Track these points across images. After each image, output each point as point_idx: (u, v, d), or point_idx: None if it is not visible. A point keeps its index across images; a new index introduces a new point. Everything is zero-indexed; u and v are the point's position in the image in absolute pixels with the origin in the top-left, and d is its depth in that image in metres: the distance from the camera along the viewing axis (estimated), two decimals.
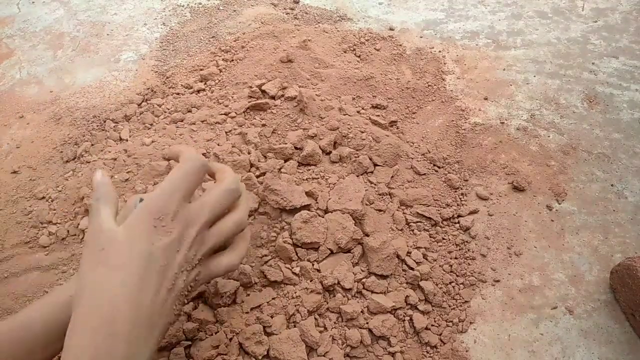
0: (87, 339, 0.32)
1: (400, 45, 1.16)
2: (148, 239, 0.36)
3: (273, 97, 0.94)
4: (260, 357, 0.62)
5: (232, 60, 1.08)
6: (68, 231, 0.80)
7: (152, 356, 0.37)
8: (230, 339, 0.64)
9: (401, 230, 0.78)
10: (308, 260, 0.72)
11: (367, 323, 0.68)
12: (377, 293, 0.70)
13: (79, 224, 0.80)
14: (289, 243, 0.72)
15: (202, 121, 0.92)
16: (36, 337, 0.41)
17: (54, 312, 0.42)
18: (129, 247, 0.35)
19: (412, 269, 0.73)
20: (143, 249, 0.35)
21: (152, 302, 0.36)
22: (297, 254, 0.72)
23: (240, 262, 0.47)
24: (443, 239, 0.80)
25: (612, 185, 0.88)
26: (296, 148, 0.85)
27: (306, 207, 0.74)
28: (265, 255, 0.73)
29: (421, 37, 1.20)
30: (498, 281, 0.76)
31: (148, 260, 0.35)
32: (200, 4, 1.34)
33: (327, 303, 0.69)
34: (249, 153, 0.84)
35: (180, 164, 0.43)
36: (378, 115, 0.95)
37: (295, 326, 0.66)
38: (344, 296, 0.70)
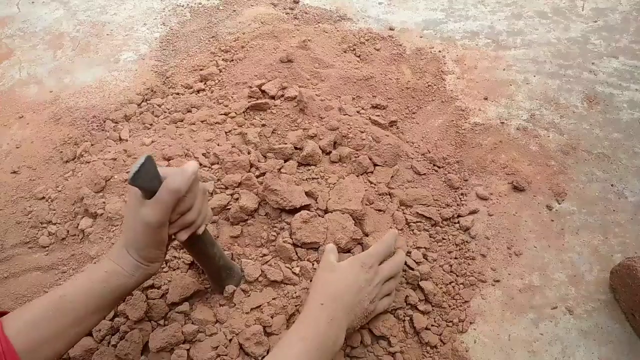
0: (316, 312, 0.59)
1: (400, 45, 1.16)
2: (359, 270, 0.64)
3: (273, 97, 0.94)
4: (260, 358, 0.62)
5: (232, 60, 1.08)
6: (68, 231, 0.80)
7: (349, 330, 0.61)
8: (230, 340, 0.64)
9: (401, 230, 0.78)
10: (308, 260, 0.72)
11: (367, 323, 0.68)
12: None
13: (78, 224, 0.80)
14: (289, 243, 0.72)
15: (202, 121, 0.92)
16: (77, 309, 0.51)
17: (92, 286, 0.53)
18: (348, 269, 0.64)
19: (412, 269, 0.73)
20: (354, 273, 0.63)
21: (357, 300, 0.62)
22: (297, 253, 0.72)
23: (390, 304, 0.69)
24: (443, 239, 0.80)
25: (612, 185, 0.88)
26: (296, 148, 0.85)
27: (306, 207, 0.74)
28: (266, 255, 0.73)
29: (421, 37, 1.20)
30: (498, 281, 0.76)
31: (354, 280, 0.62)
32: (200, 4, 1.34)
33: None
34: (248, 153, 0.84)
35: (385, 242, 0.69)
36: (378, 115, 0.95)
37: None
38: None
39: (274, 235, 0.74)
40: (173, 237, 0.56)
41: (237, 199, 0.76)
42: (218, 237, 0.74)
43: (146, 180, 0.49)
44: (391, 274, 0.67)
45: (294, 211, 0.74)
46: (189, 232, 0.56)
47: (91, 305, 0.53)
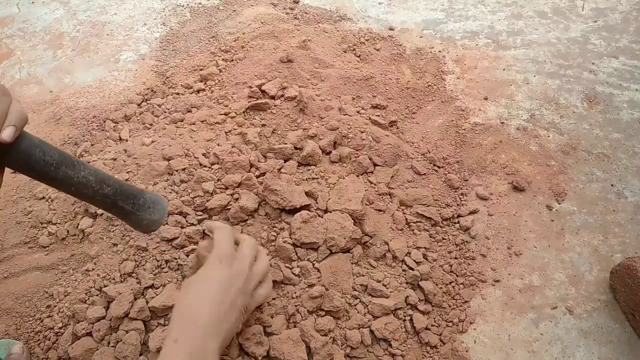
0: (171, 354, 0.49)
1: (400, 45, 1.15)
2: (214, 267, 0.55)
3: (273, 97, 0.94)
4: (260, 358, 0.62)
5: (232, 60, 1.08)
6: (68, 231, 0.80)
7: (221, 348, 0.52)
8: (230, 340, 0.63)
9: (401, 230, 0.78)
10: (308, 260, 0.72)
11: (370, 324, 0.68)
12: (378, 297, 0.70)
13: (78, 224, 0.80)
14: (288, 243, 0.72)
15: (202, 121, 0.92)
16: None
17: None
18: (203, 274, 0.55)
19: (412, 269, 0.73)
20: (211, 272, 0.55)
21: (222, 310, 0.53)
22: (296, 254, 0.72)
23: (270, 292, 0.62)
24: (443, 239, 0.80)
25: (612, 185, 0.88)
26: (296, 148, 0.85)
27: (306, 207, 0.74)
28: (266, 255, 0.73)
29: (421, 37, 1.20)
30: (498, 281, 0.76)
31: (213, 280, 0.54)
32: (200, 4, 1.34)
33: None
34: (248, 153, 0.84)
35: (249, 245, 0.61)
36: (378, 115, 0.95)
37: (295, 326, 0.66)
38: (342, 297, 0.69)
39: (274, 236, 0.74)
40: None
41: (237, 199, 0.76)
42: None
43: None
44: (254, 255, 0.59)
45: (294, 211, 0.74)
46: None
47: None
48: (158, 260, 0.71)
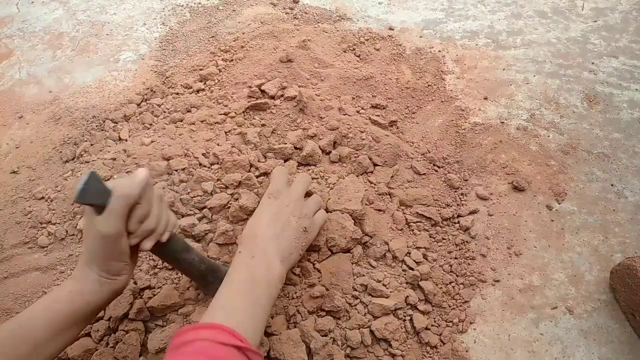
0: (236, 261, 0.60)
1: (400, 45, 1.15)
2: (270, 202, 0.67)
3: (273, 97, 0.94)
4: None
5: (232, 60, 1.08)
6: (67, 231, 0.80)
7: (284, 259, 0.61)
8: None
9: (401, 230, 0.78)
10: (308, 260, 0.72)
11: (370, 324, 0.68)
12: (378, 297, 0.70)
13: (77, 224, 0.79)
14: None
15: (202, 121, 0.92)
16: (37, 334, 0.49)
17: (55, 308, 0.51)
18: (259, 210, 0.67)
19: (412, 269, 0.73)
20: (266, 210, 0.66)
21: (277, 227, 0.63)
22: None
23: (325, 216, 0.71)
24: (443, 239, 0.80)
25: (612, 185, 0.88)
26: (296, 148, 0.85)
27: None
28: None
29: (421, 36, 1.20)
30: (498, 281, 0.76)
31: (268, 212, 0.65)
32: (199, 3, 1.34)
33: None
34: (248, 153, 0.84)
35: (277, 172, 0.74)
36: (378, 115, 0.94)
37: (295, 326, 0.66)
38: (342, 297, 0.69)
39: None
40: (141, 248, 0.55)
41: (237, 199, 0.76)
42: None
43: (93, 196, 0.48)
44: (304, 188, 0.71)
45: None
46: (152, 240, 0.54)
47: (54, 328, 0.50)
48: (155, 261, 0.71)
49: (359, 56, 1.10)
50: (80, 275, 0.53)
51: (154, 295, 0.68)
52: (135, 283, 0.69)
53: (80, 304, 0.52)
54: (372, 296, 0.70)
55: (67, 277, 0.75)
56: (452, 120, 0.98)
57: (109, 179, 0.82)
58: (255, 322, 0.54)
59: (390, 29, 1.22)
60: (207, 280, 0.64)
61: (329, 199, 0.76)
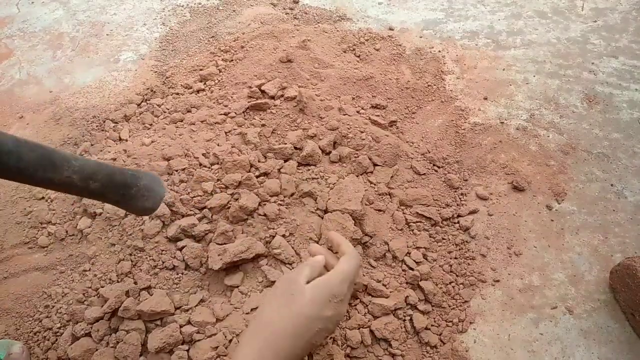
0: (253, 347, 0.48)
1: (400, 45, 1.15)
2: (322, 307, 0.51)
3: (273, 97, 0.94)
4: None
5: (232, 60, 1.08)
6: (67, 231, 0.80)
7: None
8: (230, 340, 0.64)
9: (401, 230, 0.78)
10: None
11: (370, 324, 0.68)
12: (378, 297, 0.70)
13: (77, 225, 0.79)
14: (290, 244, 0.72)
15: (202, 121, 0.92)
16: None
17: None
18: (309, 304, 0.50)
19: (412, 269, 0.73)
20: (316, 312, 0.50)
21: (301, 347, 0.50)
22: (298, 254, 0.72)
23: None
24: (443, 239, 0.80)
25: (611, 185, 0.88)
26: (296, 148, 0.85)
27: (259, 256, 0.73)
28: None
29: (421, 37, 1.20)
30: (498, 281, 0.76)
31: (315, 320, 0.50)
32: (199, 4, 1.34)
33: None
34: (248, 153, 0.84)
35: (351, 258, 0.57)
36: (378, 115, 0.95)
37: None
38: None
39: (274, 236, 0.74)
40: None
41: (237, 199, 0.76)
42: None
43: None
44: (351, 288, 0.56)
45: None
46: None
47: None
48: (155, 261, 0.71)
49: (359, 56, 1.10)
50: None
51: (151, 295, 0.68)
52: (135, 283, 0.69)
53: None
54: (372, 296, 0.70)
55: (67, 277, 0.75)
56: (452, 120, 0.98)
57: None
58: None
59: (390, 29, 1.22)
60: (113, 199, 0.49)
61: (329, 199, 0.76)
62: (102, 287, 0.70)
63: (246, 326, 0.65)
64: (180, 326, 0.65)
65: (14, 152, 0.40)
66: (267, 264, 0.72)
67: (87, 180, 0.45)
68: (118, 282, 0.70)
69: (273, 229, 0.74)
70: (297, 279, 0.53)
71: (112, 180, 0.47)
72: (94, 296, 0.70)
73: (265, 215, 0.75)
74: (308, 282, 0.53)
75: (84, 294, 0.71)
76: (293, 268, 0.71)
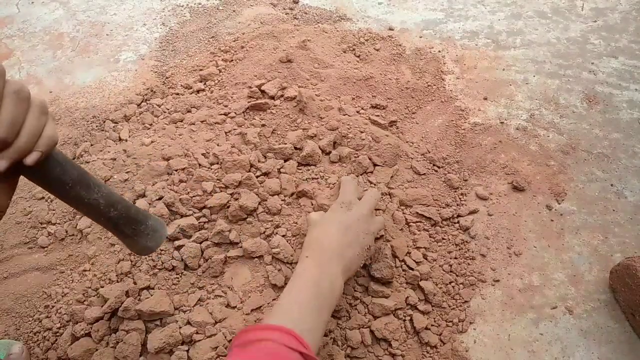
0: (302, 265, 0.60)
1: (400, 45, 1.16)
2: (366, 217, 0.67)
3: (272, 97, 0.94)
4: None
5: (232, 60, 1.08)
6: (67, 231, 0.80)
7: (344, 273, 0.61)
8: (230, 341, 0.63)
9: (401, 230, 0.78)
10: None
11: (370, 324, 0.68)
12: (378, 297, 0.70)
13: (77, 224, 0.79)
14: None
15: (202, 121, 0.92)
16: None
17: None
18: (352, 215, 0.66)
19: (412, 269, 0.73)
20: (358, 218, 0.66)
21: (344, 243, 0.63)
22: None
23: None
24: (443, 239, 0.80)
25: (611, 185, 0.88)
26: (296, 148, 0.85)
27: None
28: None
29: (421, 37, 1.20)
30: (498, 281, 0.76)
31: (358, 223, 0.65)
32: (199, 4, 1.34)
33: None
34: (248, 153, 0.84)
35: (370, 191, 0.74)
36: (378, 115, 0.95)
37: None
38: (343, 297, 0.69)
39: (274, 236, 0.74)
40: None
41: (237, 199, 0.76)
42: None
43: None
44: (375, 204, 0.71)
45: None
46: (5, 159, 0.37)
47: None
48: (154, 261, 0.71)
49: (358, 56, 1.10)
50: None
51: (151, 295, 0.68)
52: (135, 283, 0.69)
53: None
54: (373, 296, 0.70)
55: (67, 278, 0.75)
56: (452, 121, 0.98)
57: (108, 180, 0.82)
58: (317, 333, 0.54)
59: (390, 29, 1.22)
60: (123, 232, 0.51)
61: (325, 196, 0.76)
62: (102, 287, 0.70)
63: (246, 326, 0.65)
64: (180, 326, 0.65)
65: (62, 165, 0.44)
66: (268, 264, 0.72)
67: (110, 206, 0.48)
68: (118, 282, 0.70)
69: (275, 222, 0.74)
70: (313, 218, 0.68)
71: (129, 213, 0.50)
72: (94, 296, 0.70)
73: (267, 209, 0.75)
74: None
75: (83, 294, 0.71)
76: (293, 268, 0.71)
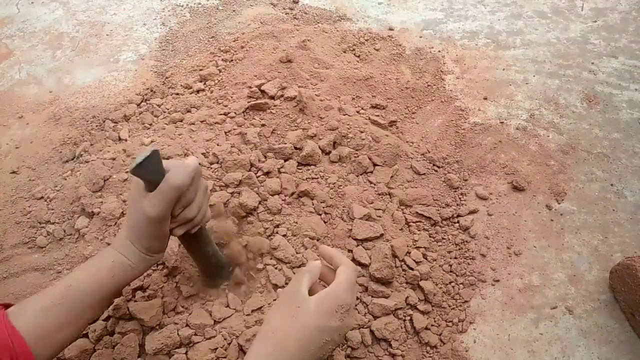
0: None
1: (400, 45, 1.15)
2: (329, 318, 0.51)
3: (272, 97, 0.94)
4: None
5: (232, 60, 1.08)
6: (65, 231, 0.79)
7: None
8: (230, 342, 0.63)
9: (401, 230, 0.78)
10: None
11: (370, 324, 0.67)
12: (379, 297, 0.70)
13: (75, 224, 0.79)
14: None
15: (202, 121, 0.92)
16: (86, 297, 0.52)
17: (99, 276, 0.54)
18: (316, 315, 0.51)
19: (412, 268, 0.73)
20: (323, 323, 0.51)
21: (307, 357, 0.50)
22: (298, 253, 0.72)
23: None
24: (443, 238, 0.80)
25: (611, 184, 0.88)
26: (296, 148, 0.85)
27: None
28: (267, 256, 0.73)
29: (421, 37, 1.20)
30: (498, 281, 0.76)
31: (323, 331, 0.51)
32: (199, 4, 1.34)
33: None
34: (248, 153, 0.84)
35: (349, 268, 0.57)
36: (377, 115, 0.95)
37: None
38: None
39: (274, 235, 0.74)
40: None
41: (237, 197, 0.76)
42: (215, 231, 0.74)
43: (149, 172, 0.49)
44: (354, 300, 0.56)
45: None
46: (185, 228, 0.56)
47: (98, 294, 0.54)
48: None
49: (358, 56, 1.10)
50: (122, 248, 0.55)
51: (148, 297, 0.67)
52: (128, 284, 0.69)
53: (120, 275, 0.54)
54: (373, 296, 0.70)
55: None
56: (452, 120, 0.98)
57: (108, 179, 0.82)
58: None
59: (390, 29, 1.22)
60: (212, 273, 0.67)
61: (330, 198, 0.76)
62: None
63: (246, 327, 0.64)
64: (178, 328, 0.65)
65: (201, 229, 0.60)
66: (269, 264, 0.72)
67: (213, 257, 0.65)
68: None
69: (275, 222, 0.74)
70: (300, 289, 0.53)
71: (220, 261, 0.67)
72: None
73: (268, 209, 0.75)
74: (310, 290, 0.54)
75: None
76: (293, 268, 0.71)
